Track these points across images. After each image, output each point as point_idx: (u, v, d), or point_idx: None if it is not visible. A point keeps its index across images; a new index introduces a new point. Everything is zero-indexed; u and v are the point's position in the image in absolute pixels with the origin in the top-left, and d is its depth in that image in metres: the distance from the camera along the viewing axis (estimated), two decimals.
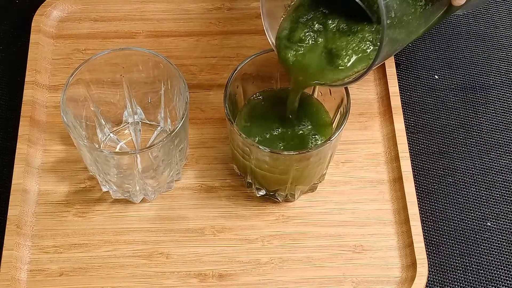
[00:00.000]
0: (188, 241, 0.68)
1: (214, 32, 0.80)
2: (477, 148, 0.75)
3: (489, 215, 0.71)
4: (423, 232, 0.69)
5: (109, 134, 0.72)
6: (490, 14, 0.84)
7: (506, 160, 0.74)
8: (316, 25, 0.62)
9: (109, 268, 0.67)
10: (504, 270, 0.69)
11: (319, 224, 0.69)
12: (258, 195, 0.70)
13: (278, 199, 0.70)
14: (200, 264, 0.67)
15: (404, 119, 0.74)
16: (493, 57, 0.81)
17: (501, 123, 0.77)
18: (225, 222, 0.69)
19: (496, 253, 0.69)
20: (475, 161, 0.74)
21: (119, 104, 0.71)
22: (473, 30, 0.83)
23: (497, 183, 0.73)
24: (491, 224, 0.71)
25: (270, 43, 0.64)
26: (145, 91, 0.70)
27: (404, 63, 0.80)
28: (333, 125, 0.67)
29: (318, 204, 0.70)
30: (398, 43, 0.59)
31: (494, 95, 0.79)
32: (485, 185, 0.73)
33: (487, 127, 0.77)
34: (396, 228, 0.69)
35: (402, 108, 0.75)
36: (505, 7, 0.85)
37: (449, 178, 0.73)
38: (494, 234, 0.70)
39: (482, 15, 0.84)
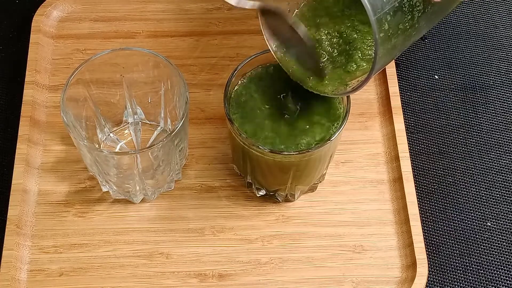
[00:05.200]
0: (188, 241, 0.68)
1: (214, 32, 0.80)
2: (477, 148, 0.75)
3: (489, 215, 0.71)
4: (423, 232, 0.69)
5: (109, 134, 0.72)
6: (490, 14, 0.84)
7: (506, 160, 0.74)
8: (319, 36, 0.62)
9: (109, 268, 0.67)
10: (504, 270, 0.69)
11: (319, 224, 0.69)
12: (258, 195, 0.70)
13: (278, 199, 0.70)
14: (200, 264, 0.67)
15: (404, 119, 0.74)
16: (493, 57, 0.81)
17: (501, 123, 0.77)
18: (225, 222, 0.69)
19: (496, 253, 0.69)
20: (475, 161, 0.74)
21: (119, 104, 0.71)
22: (473, 30, 0.83)
23: (497, 183, 0.73)
24: (491, 224, 0.71)
25: (271, 51, 0.64)
26: (145, 91, 0.70)
27: (404, 63, 0.80)
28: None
29: (318, 204, 0.70)
30: (396, 49, 0.58)
31: (494, 95, 0.79)
32: (485, 185, 0.73)
33: (487, 127, 0.77)
34: (396, 228, 0.69)
35: (402, 108, 0.75)
36: (505, 7, 0.85)
37: (449, 178, 0.73)
38: (494, 234, 0.70)
39: (482, 15, 0.84)
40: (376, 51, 0.53)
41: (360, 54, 0.61)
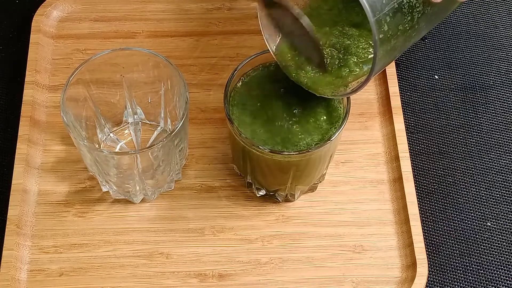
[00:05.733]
0: (188, 241, 0.68)
1: (214, 32, 0.80)
2: (477, 148, 0.75)
3: (489, 215, 0.71)
4: (423, 232, 0.69)
5: (109, 134, 0.72)
6: (490, 14, 0.84)
7: (506, 160, 0.74)
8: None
9: (109, 268, 0.67)
10: (504, 270, 0.69)
11: (319, 224, 0.69)
12: (258, 195, 0.70)
13: (278, 199, 0.70)
14: (200, 264, 0.67)
15: (404, 119, 0.74)
16: (493, 57, 0.81)
17: (501, 123, 0.77)
18: (225, 222, 0.69)
19: (496, 253, 0.69)
20: (475, 161, 0.74)
21: (119, 104, 0.71)
22: (473, 30, 0.83)
23: (497, 183, 0.73)
24: (491, 224, 0.71)
25: (271, 52, 0.64)
26: (145, 91, 0.70)
27: (404, 63, 0.80)
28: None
29: (318, 204, 0.70)
30: (396, 51, 0.57)
31: (494, 95, 0.79)
32: (485, 185, 0.73)
33: (487, 127, 0.77)
34: (396, 228, 0.69)
35: (402, 108, 0.75)
36: (505, 7, 0.85)
37: (449, 178, 0.73)
38: (494, 234, 0.70)
39: (482, 15, 0.84)
40: (376, 53, 0.53)
41: (355, 59, 0.61)
